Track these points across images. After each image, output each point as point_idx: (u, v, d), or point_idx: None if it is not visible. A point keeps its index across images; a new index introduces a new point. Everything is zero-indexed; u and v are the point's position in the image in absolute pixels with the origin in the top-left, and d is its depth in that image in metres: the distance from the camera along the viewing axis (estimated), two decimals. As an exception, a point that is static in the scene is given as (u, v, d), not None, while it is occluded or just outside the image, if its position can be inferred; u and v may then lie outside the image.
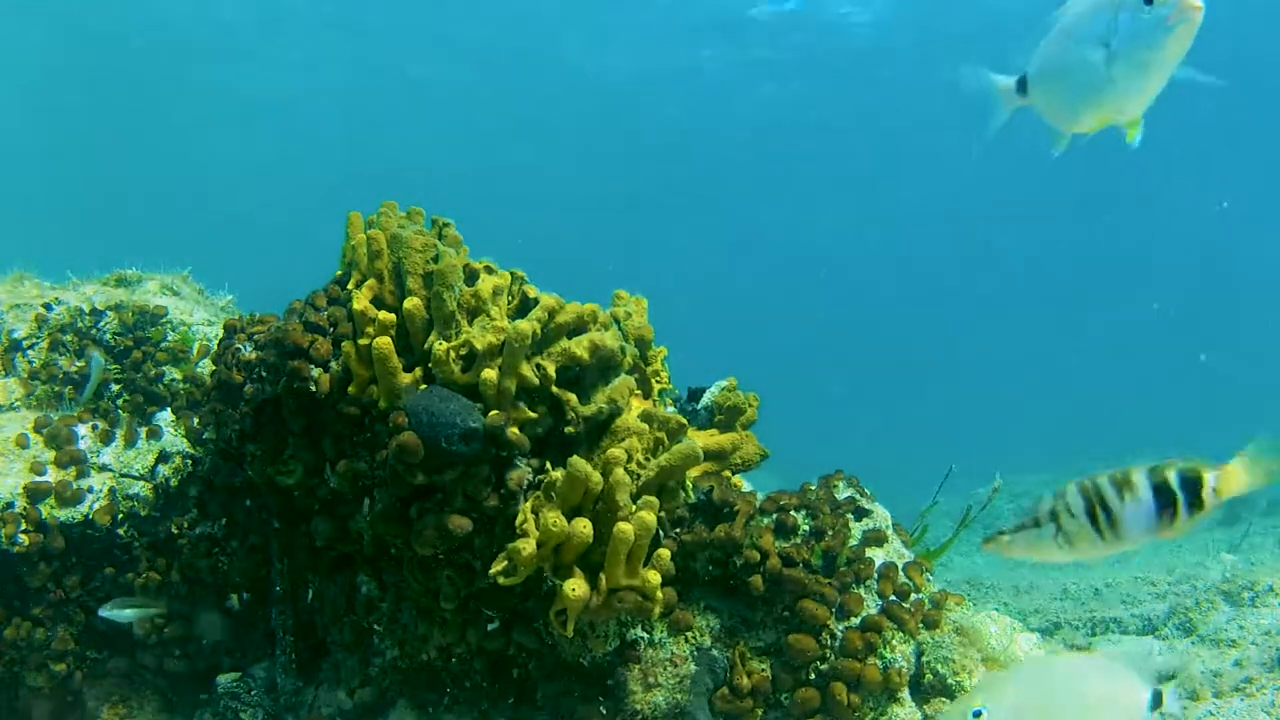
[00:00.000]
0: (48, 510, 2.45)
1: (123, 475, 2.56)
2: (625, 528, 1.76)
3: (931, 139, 18.43)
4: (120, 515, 2.50)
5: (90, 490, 2.51)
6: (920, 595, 2.17)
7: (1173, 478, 1.14)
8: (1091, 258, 24.97)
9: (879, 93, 16.50)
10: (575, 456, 1.80)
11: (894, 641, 2.07)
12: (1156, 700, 1.22)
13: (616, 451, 1.85)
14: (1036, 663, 1.50)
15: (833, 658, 2.03)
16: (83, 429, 2.61)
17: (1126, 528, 1.11)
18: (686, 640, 2.06)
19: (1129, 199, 21.34)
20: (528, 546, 1.80)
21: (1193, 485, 1.14)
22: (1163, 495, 1.13)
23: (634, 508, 1.82)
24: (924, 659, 2.10)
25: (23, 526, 2.41)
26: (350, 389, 2.00)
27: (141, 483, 2.55)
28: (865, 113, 17.62)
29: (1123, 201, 21.61)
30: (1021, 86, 1.73)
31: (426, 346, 1.99)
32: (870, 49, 15.23)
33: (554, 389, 2.00)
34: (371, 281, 2.09)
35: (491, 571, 1.87)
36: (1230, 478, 1.13)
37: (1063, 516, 1.15)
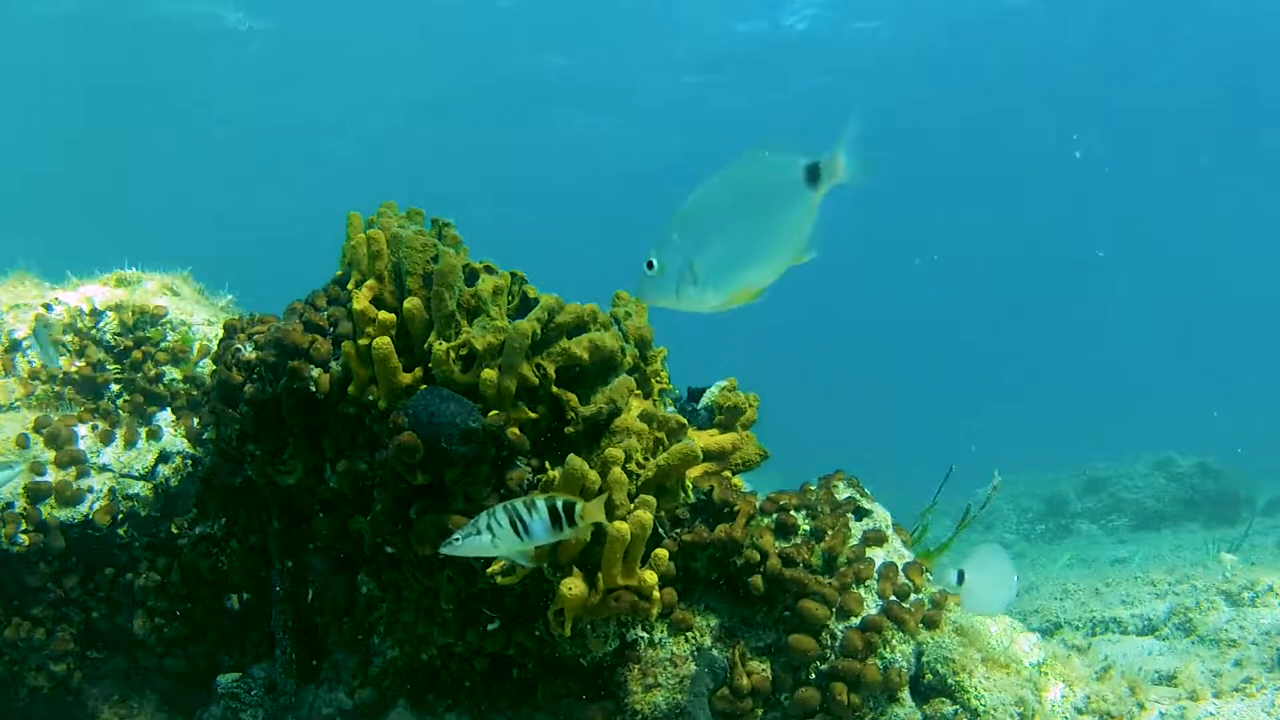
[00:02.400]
0: (48, 510, 2.45)
1: (123, 475, 2.56)
2: (621, 526, 1.76)
3: (931, 139, 18.45)
4: (120, 515, 2.50)
5: (90, 490, 2.51)
6: (920, 595, 2.17)
7: (559, 504, 1.60)
8: (1091, 256, 24.96)
9: (878, 97, 16.51)
10: (573, 455, 1.80)
11: (894, 641, 2.07)
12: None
13: (615, 451, 1.85)
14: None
15: (833, 658, 2.03)
16: (83, 429, 2.61)
17: (533, 532, 1.60)
18: (686, 640, 2.06)
19: (1129, 199, 21.34)
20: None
21: (569, 509, 1.60)
22: (554, 514, 1.60)
23: (631, 507, 1.82)
24: (924, 659, 2.10)
25: (23, 526, 2.41)
26: (350, 389, 2.00)
27: (141, 483, 2.55)
28: (867, 116, 17.60)
29: (1122, 201, 21.60)
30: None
31: (426, 346, 1.99)
32: (878, 57, 15.25)
33: (554, 389, 2.00)
34: (371, 281, 2.09)
35: (489, 571, 1.88)
36: (589, 508, 1.62)
37: (494, 526, 1.60)
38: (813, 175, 1.34)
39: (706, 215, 1.34)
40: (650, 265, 1.35)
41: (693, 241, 1.33)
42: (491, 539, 1.62)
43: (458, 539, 1.64)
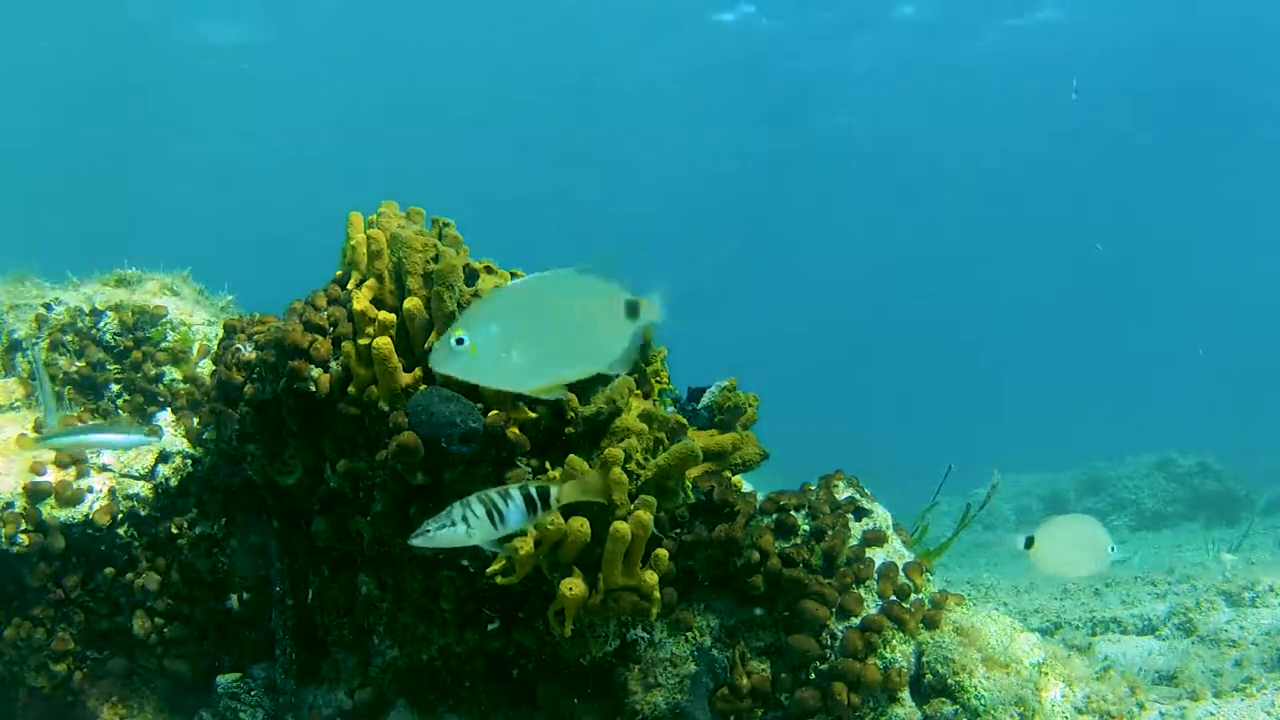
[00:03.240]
0: (48, 510, 2.45)
1: (123, 475, 2.56)
2: (622, 526, 1.76)
3: (930, 139, 18.46)
4: (120, 515, 2.50)
5: (90, 490, 2.51)
6: (920, 595, 2.17)
7: (534, 490, 1.64)
8: (1091, 254, 24.95)
9: (879, 102, 16.53)
10: (573, 455, 1.80)
11: (894, 641, 2.07)
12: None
13: (615, 451, 1.85)
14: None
15: (833, 658, 2.03)
16: (83, 429, 2.61)
17: (509, 519, 1.62)
18: (686, 640, 2.06)
19: (1130, 199, 21.34)
20: (525, 545, 1.81)
21: (545, 494, 1.64)
22: (529, 500, 1.63)
23: (631, 507, 1.82)
24: (924, 659, 2.10)
25: (23, 526, 2.41)
26: (350, 389, 2.00)
27: (141, 483, 2.55)
28: (865, 120, 17.64)
29: (1121, 200, 21.61)
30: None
31: (426, 346, 1.99)
32: (891, 62, 15.24)
33: (554, 389, 2.00)
34: (371, 281, 2.09)
35: (489, 571, 1.88)
36: (565, 491, 1.68)
37: (469, 517, 1.60)
38: (632, 311, 1.55)
39: (531, 314, 1.55)
40: (460, 341, 1.50)
41: (511, 332, 1.52)
42: (466, 529, 1.60)
43: (430, 530, 1.60)
